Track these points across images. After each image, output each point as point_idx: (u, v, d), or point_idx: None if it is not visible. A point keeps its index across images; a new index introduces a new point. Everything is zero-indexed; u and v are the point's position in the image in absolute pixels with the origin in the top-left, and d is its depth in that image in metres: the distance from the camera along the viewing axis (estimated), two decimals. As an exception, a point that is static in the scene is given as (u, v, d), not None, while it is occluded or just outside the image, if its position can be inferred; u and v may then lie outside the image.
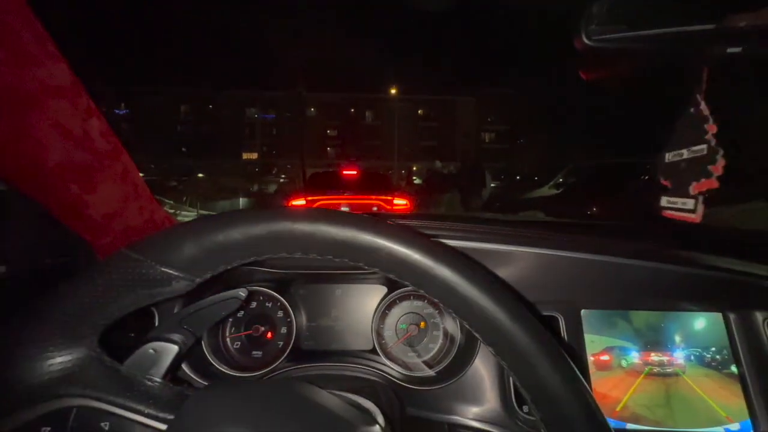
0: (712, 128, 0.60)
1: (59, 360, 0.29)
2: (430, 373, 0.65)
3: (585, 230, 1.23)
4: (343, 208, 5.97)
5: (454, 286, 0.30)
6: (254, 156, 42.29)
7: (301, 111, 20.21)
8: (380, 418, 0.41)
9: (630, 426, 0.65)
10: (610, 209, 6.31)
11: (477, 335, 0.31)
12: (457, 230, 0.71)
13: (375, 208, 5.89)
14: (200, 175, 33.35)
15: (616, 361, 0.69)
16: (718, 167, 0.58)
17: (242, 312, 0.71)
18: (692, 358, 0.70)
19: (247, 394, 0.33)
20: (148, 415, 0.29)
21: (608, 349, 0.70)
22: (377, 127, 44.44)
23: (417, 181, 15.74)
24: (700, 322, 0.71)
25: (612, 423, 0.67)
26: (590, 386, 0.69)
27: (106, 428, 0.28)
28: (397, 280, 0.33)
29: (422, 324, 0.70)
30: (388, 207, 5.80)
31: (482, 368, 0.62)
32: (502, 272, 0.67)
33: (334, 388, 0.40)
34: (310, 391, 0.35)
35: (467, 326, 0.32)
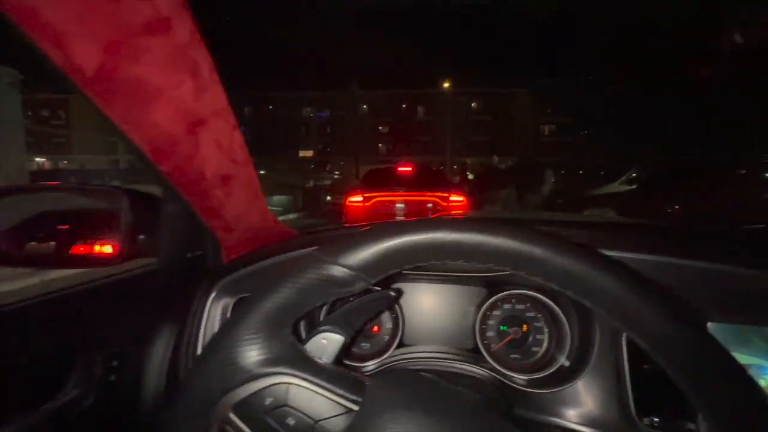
0: None
1: (266, 345, 0.35)
2: (535, 375, 0.66)
3: (685, 234, 1.13)
4: (398, 205, 6.01)
5: (624, 297, 0.31)
6: (310, 153, 44.12)
7: (353, 109, 20.64)
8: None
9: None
10: (696, 207, 5.64)
11: (655, 352, 0.32)
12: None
13: (430, 205, 5.85)
14: (261, 172, 35.66)
15: (753, 381, 0.64)
16: None
17: None
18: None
19: (414, 383, 0.37)
20: (341, 396, 0.34)
21: (743, 367, 0.65)
22: (429, 123, 43.93)
23: (470, 176, 15.35)
24: None
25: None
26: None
27: (311, 404, 0.34)
28: (557, 288, 0.35)
29: (525, 327, 0.71)
30: (444, 204, 5.72)
31: (597, 375, 0.60)
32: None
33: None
34: (447, 383, 0.39)
35: (645, 343, 0.32)
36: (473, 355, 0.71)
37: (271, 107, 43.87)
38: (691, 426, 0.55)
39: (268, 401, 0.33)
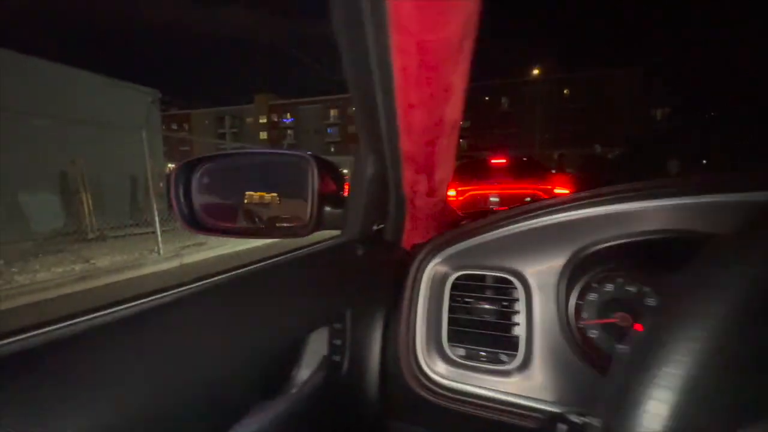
0: None
1: None
2: None
3: None
4: (493, 199, 5.69)
5: None
6: (389, 152, 44.94)
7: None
8: None
9: None
10: None
11: None
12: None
13: (528, 199, 5.42)
14: (344, 171, 37.57)
15: None
16: None
17: (594, 295, 0.64)
18: None
19: None
20: None
21: None
22: (513, 114, 41.34)
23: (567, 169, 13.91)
24: None
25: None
26: None
27: None
28: None
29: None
30: (547, 197, 5.24)
31: None
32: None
33: None
34: None
35: None
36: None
37: (354, 108, 45.74)
38: None
39: None
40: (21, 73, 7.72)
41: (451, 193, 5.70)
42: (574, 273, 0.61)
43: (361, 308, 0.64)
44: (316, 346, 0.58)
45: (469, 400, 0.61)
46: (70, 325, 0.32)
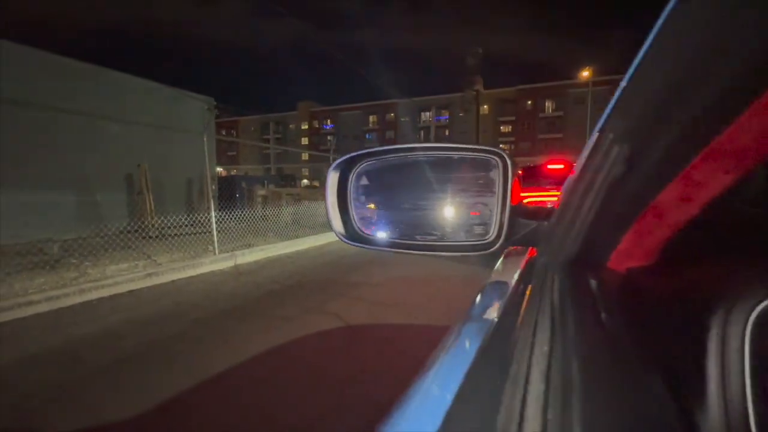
0: None
1: None
2: None
3: None
4: (550, 205, 5.36)
5: None
6: (427, 157, 44.61)
7: (475, 109, 19.93)
8: None
9: None
10: None
11: None
12: None
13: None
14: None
15: None
16: None
17: None
18: None
19: None
20: None
21: None
22: (558, 119, 39.55)
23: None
24: None
25: None
26: None
27: None
28: None
29: None
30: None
31: None
32: None
33: None
34: None
35: None
36: None
37: (392, 114, 46.01)
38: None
39: None
40: (97, 82, 8.44)
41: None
42: None
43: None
44: None
45: None
46: None
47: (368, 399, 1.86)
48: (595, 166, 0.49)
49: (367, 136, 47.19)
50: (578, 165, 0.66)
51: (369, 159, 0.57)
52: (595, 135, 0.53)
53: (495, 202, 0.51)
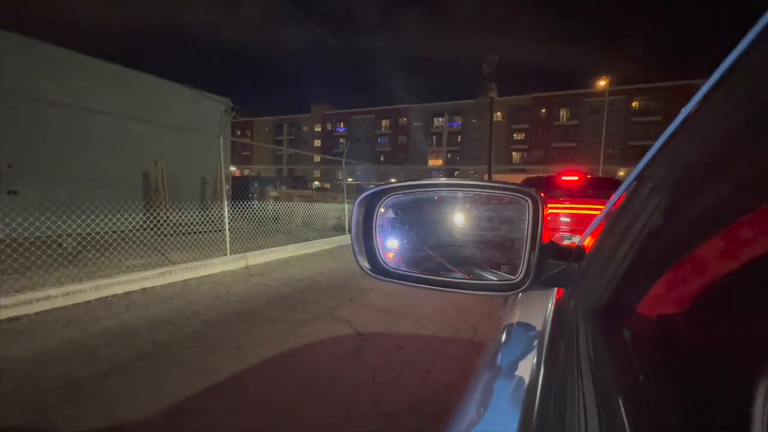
0: None
1: None
2: None
3: None
4: (563, 219, 5.28)
5: None
6: (439, 162, 44.58)
7: (489, 116, 19.81)
8: None
9: None
10: None
11: None
12: None
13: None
14: (393, 180, 37.99)
15: None
16: None
17: None
18: None
19: None
20: None
21: None
22: (573, 128, 39.10)
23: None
24: None
25: None
26: None
27: None
28: None
29: None
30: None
31: None
32: None
33: None
34: None
35: None
36: None
37: (405, 119, 46.08)
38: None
39: None
40: (119, 82, 8.66)
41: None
42: None
43: None
44: None
45: None
46: None
47: (377, 409, 1.86)
48: (633, 213, 0.48)
49: (379, 140, 47.35)
50: (608, 207, 0.64)
51: (396, 193, 0.57)
52: (633, 183, 0.52)
53: (524, 241, 0.50)
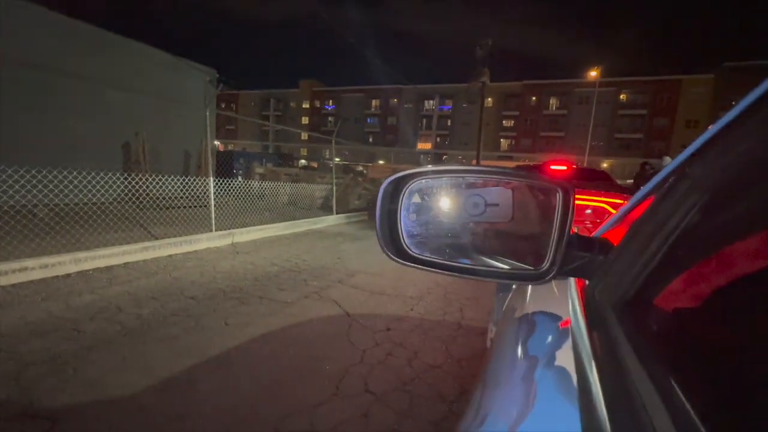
0: None
1: None
2: None
3: None
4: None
5: None
6: (428, 146, 44.39)
7: (480, 101, 19.71)
8: None
9: None
10: None
11: None
12: None
13: (589, 211, 5.06)
14: (381, 162, 37.72)
15: None
16: None
17: None
18: None
19: None
20: None
21: None
22: (561, 117, 39.39)
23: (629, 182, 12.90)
24: None
25: None
26: None
27: None
28: None
29: None
30: (615, 212, 4.86)
31: None
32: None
33: None
34: None
35: None
36: None
37: (396, 100, 45.37)
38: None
39: None
40: (96, 44, 8.15)
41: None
42: None
43: None
44: None
45: None
46: None
47: (365, 388, 1.90)
48: (668, 210, 0.48)
49: (368, 120, 46.63)
50: (634, 201, 0.63)
51: (423, 177, 0.56)
52: (670, 178, 0.51)
53: (552, 231, 0.50)
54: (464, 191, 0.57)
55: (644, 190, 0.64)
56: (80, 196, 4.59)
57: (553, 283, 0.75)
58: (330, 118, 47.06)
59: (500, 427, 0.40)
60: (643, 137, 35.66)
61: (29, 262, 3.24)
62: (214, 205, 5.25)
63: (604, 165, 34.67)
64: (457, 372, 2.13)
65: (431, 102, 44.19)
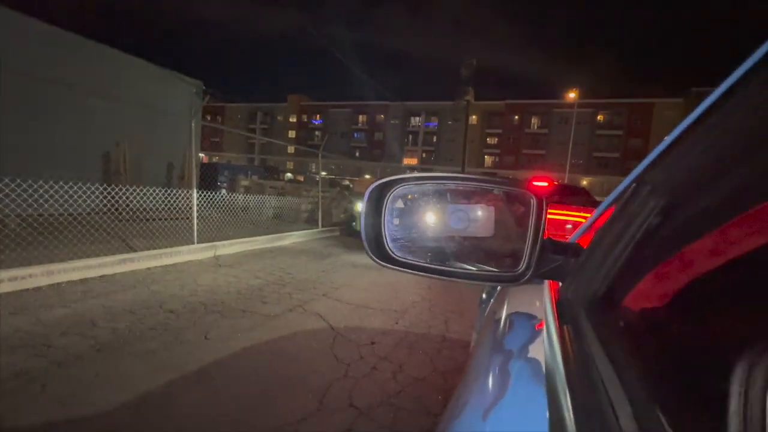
0: None
1: None
2: None
3: None
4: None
5: None
6: (414, 161, 44.95)
7: (465, 118, 20.26)
8: None
9: None
10: None
11: None
12: None
13: (569, 226, 5.21)
14: (367, 176, 37.93)
15: None
16: None
17: None
18: None
19: None
20: None
21: None
22: (543, 136, 40.71)
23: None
24: None
25: None
26: None
27: None
28: None
29: None
30: (594, 227, 5.02)
31: None
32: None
33: None
34: None
35: None
36: None
37: (383, 116, 46.03)
38: None
39: None
40: (78, 52, 8.05)
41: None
42: None
43: None
44: None
45: None
46: None
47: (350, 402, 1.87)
48: (630, 213, 0.52)
49: (355, 135, 47.02)
50: (602, 207, 0.67)
51: (406, 183, 0.58)
52: (631, 185, 0.56)
53: (527, 236, 0.53)
54: (448, 207, 0.60)
55: (611, 197, 0.68)
56: (56, 206, 4.44)
57: (531, 289, 0.78)
58: (317, 133, 47.25)
59: (477, 412, 0.42)
60: (620, 156, 37.09)
61: (-2, 275, 3.09)
62: (197, 218, 5.15)
63: (584, 182, 35.82)
64: (442, 385, 2.12)
65: (417, 119, 45.01)
